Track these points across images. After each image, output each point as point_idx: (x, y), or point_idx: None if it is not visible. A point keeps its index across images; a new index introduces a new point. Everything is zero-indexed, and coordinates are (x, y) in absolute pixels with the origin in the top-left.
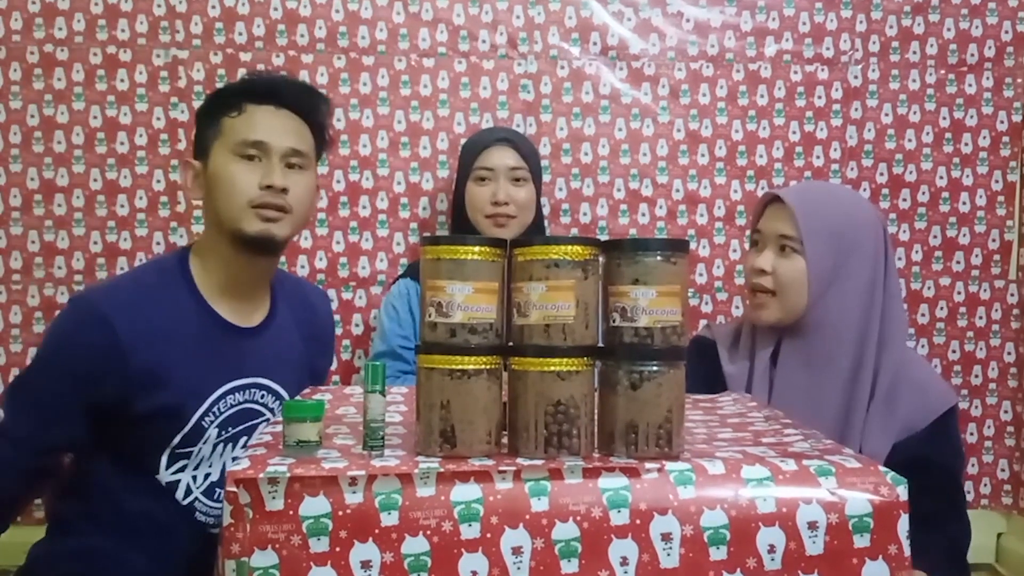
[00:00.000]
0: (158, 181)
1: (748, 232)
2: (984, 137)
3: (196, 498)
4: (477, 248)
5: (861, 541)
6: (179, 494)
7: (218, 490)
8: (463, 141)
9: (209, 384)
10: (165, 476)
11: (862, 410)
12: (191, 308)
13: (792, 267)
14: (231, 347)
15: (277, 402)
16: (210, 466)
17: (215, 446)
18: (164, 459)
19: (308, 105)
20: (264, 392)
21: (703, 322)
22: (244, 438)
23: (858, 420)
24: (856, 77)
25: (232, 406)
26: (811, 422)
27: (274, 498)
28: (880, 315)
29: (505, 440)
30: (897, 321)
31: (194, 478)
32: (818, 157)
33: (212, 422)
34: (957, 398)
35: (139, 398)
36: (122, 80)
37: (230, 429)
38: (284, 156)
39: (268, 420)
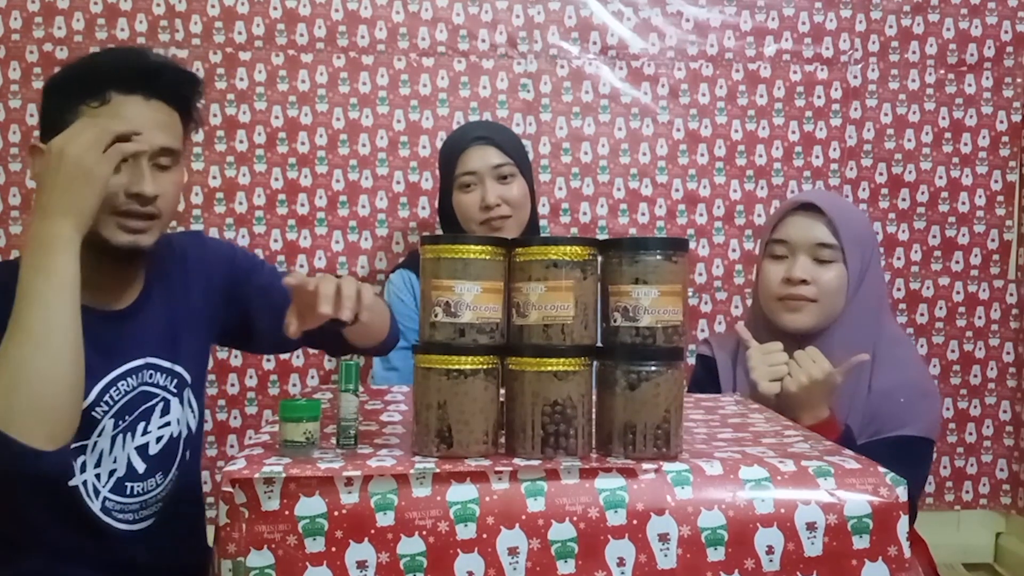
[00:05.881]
0: None
1: (763, 242)
2: (984, 137)
3: (105, 497)
4: (482, 247)
5: (860, 542)
6: (87, 498)
7: (128, 485)
8: (440, 145)
9: (91, 375)
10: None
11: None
12: None
13: (833, 275)
14: (106, 332)
15: (171, 379)
16: (114, 461)
17: (113, 438)
18: None
19: (182, 94)
20: (155, 372)
21: (702, 334)
22: (142, 423)
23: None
24: (855, 77)
25: (126, 393)
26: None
27: (270, 498)
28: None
29: (503, 440)
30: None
31: (97, 476)
32: (817, 157)
33: (106, 412)
34: (928, 430)
35: None
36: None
37: (127, 418)
38: (154, 156)
39: (167, 401)
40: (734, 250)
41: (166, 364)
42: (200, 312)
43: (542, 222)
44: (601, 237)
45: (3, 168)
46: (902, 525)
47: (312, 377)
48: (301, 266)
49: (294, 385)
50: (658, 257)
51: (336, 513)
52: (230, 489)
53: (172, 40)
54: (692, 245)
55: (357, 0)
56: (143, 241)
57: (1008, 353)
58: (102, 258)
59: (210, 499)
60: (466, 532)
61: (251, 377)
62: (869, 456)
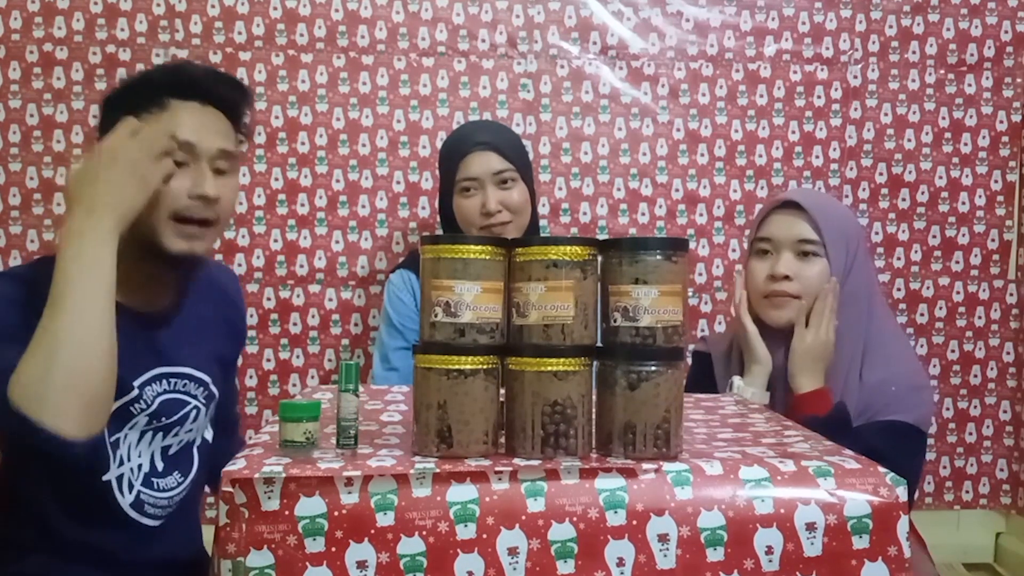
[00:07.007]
0: None
1: (749, 240)
2: (983, 137)
3: (139, 491)
4: (482, 248)
5: (860, 542)
6: (119, 492)
7: (154, 480)
8: (440, 146)
9: (128, 371)
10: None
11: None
12: None
13: (816, 270)
14: (139, 335)
15: (203, 390)
16: (139, 455)
17: (143, 433)
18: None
19: (235, 102)
20: (188, 381)
21: (702, 334)
22: (176, 428)
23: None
24: (856, 77)
25: (157, 396)
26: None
27: (270, 498)
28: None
29: (503, 440)
30: (886, 314)
31: (131, 470)
32: (817, 157)
33: (143, 410)
34: (921, 420)
35: None
36: (122, 79)
37: (163, 419)
38: (212, 159)
39: (199, 410)
40: (734, 250)
41: (199, 374)
42: (221, 338)
43: (542, 222)
44: (601, 237)
45: (3, 168)
46: (902, 525)
47: (312, 377)
48: (301, 266)
49: (294, 385)
50: (658, 257)
51: (336, 513)
52: (230, 489)
53: (172, 40)
54: (692, 245)
55: (357, 0)
56: (197, 248)
57: (1008, 353)
58: (144, 261)
59: (210, 499)
60: (466, 532)
61: (251, 377)
62: (860, 438)
